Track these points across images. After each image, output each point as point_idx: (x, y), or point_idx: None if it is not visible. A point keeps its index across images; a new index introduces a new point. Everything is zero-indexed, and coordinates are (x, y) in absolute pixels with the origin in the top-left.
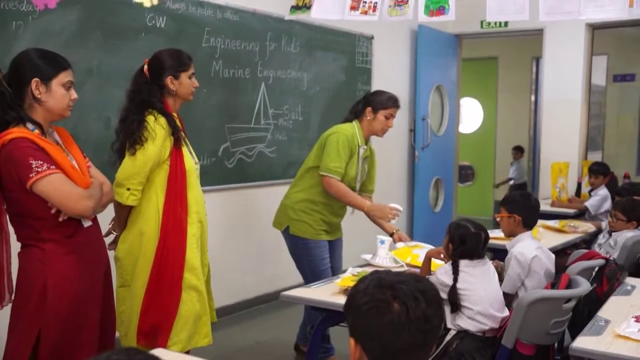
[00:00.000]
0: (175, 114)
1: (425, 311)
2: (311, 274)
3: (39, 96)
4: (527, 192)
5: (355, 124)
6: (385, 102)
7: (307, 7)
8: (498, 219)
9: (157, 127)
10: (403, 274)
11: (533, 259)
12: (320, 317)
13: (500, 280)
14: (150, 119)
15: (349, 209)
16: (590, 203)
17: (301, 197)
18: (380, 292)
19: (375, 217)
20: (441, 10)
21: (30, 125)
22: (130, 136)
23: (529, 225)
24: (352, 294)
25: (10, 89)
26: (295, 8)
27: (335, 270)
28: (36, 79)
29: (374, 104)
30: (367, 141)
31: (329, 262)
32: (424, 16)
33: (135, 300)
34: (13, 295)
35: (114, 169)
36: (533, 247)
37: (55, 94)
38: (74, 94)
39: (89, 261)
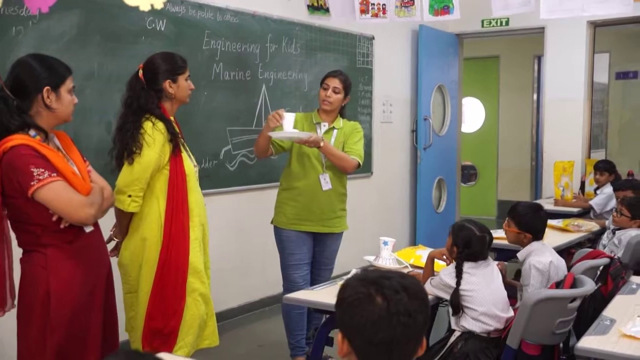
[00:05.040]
0: (172, 118)
1: (407, 305)
2: (281, 267)
3: (51, 104)
4: (537, 206)
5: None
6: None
7: (326, 9)
8: (505, 229)
9: (155, 132)
10: (390, 272)
11: (550, 264)
12: (301, 319)
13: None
14: (148, 125)
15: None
16: (595, 201)
17: (280, 190)
18: (363, 285)
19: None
20: (446, 9)
21: (32, 132)
22: (128, 143)
23: (538, 238)
24: (340, 289)
25: (12, 95)
26: (314, 8)
27: (322, 264)
28: (47, 87)
29: None
30: (334, 119)
31: (302, 259)
32: (429, 15)
33: (141, 306)
34: (16, 300)
35: (114, 175)
36: (548, 253)
37: (64, 100)
38: (75, 99)
39: (90, 266)
